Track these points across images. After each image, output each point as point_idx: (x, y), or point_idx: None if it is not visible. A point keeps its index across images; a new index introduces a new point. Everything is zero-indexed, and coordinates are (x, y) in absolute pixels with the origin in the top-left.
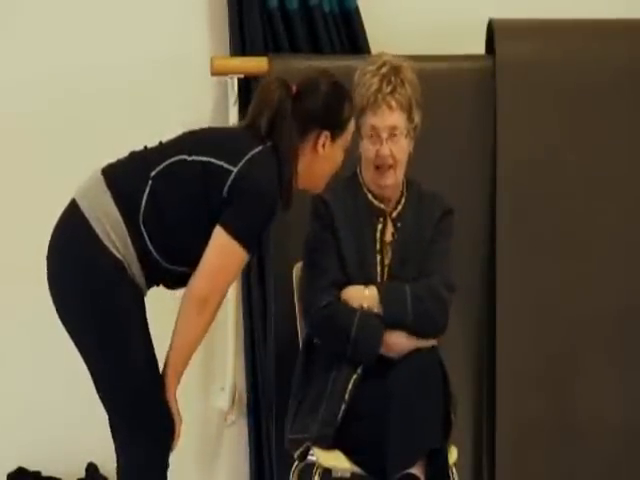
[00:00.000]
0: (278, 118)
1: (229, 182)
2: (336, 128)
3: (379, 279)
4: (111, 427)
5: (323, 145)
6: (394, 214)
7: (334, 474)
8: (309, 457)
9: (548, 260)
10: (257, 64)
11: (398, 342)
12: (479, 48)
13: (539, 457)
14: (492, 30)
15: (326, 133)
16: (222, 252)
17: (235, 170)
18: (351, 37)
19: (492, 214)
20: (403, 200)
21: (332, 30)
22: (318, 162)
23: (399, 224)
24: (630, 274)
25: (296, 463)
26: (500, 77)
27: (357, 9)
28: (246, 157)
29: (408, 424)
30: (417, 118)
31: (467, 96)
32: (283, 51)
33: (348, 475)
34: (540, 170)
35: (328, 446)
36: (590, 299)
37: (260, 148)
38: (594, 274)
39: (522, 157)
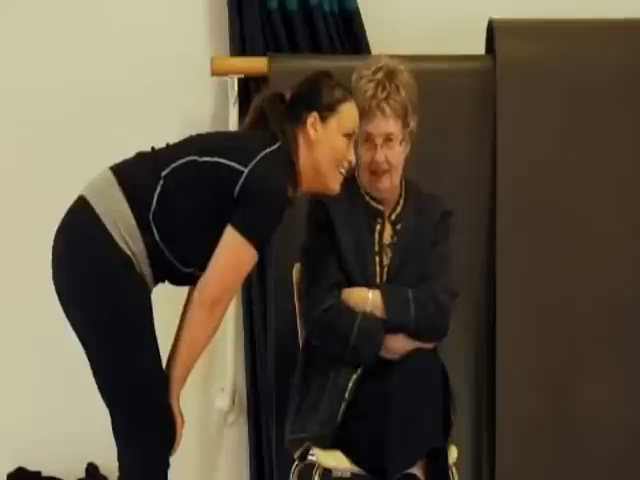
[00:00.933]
0: (273, 117)
1: (240, 182)
2: (322, 108)
3: (378, 280)
4: (113, 426)
5: (314, 127)
6: (393, 216)
7: (334, 474)
8: (309, 457)
9: (548, 260)
10: (257, 64)
11: (397, 345)
12: (479, 48)
13: (539, 457)
14: (492, 30)
15: (314, 114)
16: (234, 252)
17: (246, 170)
18: (351, 37)
19: (492, 214)
20: (402, 202)
21: (332, 30)
22: (317, 148)
23: (398, 226)
24: (631, 274)
25: (296, 463)
26: (500, 77)
27: (357, 9)
28: (257, 158)
29: (408, 424)
30: (413, 123)
31: (467, 96)
32: (283, 51)
33: (348, 475)
34: (540, 170)
35: (328, 446)
36: (590, 299)
37: (270, 149)
38: (594, 274)
39: (522, 157)
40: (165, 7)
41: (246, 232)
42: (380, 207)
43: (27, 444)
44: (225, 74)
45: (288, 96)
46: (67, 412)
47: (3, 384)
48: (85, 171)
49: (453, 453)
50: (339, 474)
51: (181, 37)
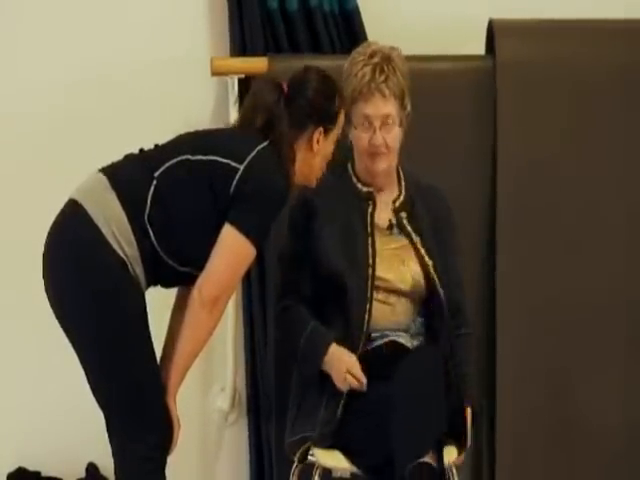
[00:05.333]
0: (275, 120)
1: (236, 180)
2: (329, 123)
3: (370, 262)
4: (108, 427)
5: (317, 141)
6: (397, 203)
7: (334, 474)
8: (309, 457)
9: (548, 259)
10: (257, 64)
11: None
12: (479, 48)
13: (539, 457)
14: (492, 30)
15: (320, 129)
16: (232, 250)
17: (242, 167)
18: (351, 37)
19: (492, 214)
20: (404, 191)
21: (332, 30)
22: (314, 158)
23: (403, 214)
24: (631, 273)
25: (296, 463)
26: (500, 77)
27: (357, 9)
28: (251, 154)
29: (414, 412)
30: (409, 106)
31: (467, 96)
32: (283, 51)
33: (348, 475)
34: (540, 170)
35: (328, 446)
36: (590, 298)
37: (263, 145)
38: (595, 273)
39: (522, 157)
40: (165, 7)
41: (245, 230)
42: (369, 189)
43: (27, 444)
44: (225, 74)
45: (285, 86)
46: (67, 412)
47: (3, 384)
48: (84, 171)
49: (453, 453)
50: (339, 474)
51: (181, 37)
